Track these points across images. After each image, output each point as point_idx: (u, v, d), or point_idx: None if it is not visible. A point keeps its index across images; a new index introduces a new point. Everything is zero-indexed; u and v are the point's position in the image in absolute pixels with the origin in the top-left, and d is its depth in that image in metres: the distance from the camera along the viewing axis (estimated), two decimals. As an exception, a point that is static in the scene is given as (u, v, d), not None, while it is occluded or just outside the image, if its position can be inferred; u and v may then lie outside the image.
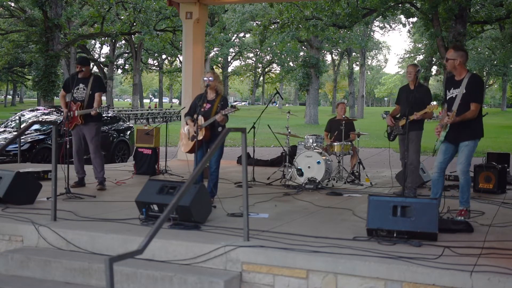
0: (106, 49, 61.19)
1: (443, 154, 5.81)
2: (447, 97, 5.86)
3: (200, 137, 6.18)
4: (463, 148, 5.67)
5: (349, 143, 8.94)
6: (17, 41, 38.06)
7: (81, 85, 7.50)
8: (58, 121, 11.56)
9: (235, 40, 53.69)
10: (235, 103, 64.00)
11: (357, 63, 59.53)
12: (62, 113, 12.48)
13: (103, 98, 7.81)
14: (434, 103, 6.35)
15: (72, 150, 7.59)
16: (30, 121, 11.70)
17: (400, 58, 75.04)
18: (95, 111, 7.31)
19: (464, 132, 5.66)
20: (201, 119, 6.18)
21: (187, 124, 6.43)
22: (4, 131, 12.03)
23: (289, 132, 8.98)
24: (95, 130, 7.55)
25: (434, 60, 29.45)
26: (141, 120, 36.76)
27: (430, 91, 7.44)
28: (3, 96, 73.56)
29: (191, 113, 6.34)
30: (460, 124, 5.63)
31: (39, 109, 13.75)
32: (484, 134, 5.84)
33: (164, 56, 56.85)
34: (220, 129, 6.22)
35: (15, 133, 11.51)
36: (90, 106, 7.40)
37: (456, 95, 5.70)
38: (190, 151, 6.42)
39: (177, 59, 53.63)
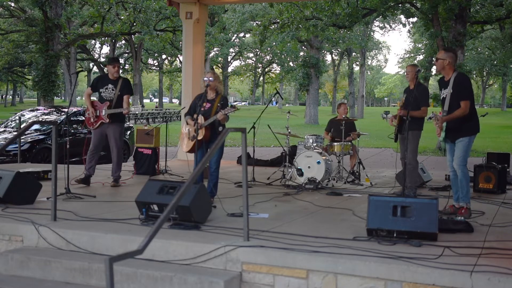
0: (106, 49, 61.31)
1: (450, 154, 5.99)
2: (441, 97, 6.04)
3: (200, 137, 6.18)
4: (458, 144, 5.83)
5: (349, 143, 8.95)
6: (17, 41, 38.06)
7: (110, 86, 7.66)
8: (58, 121, 11.58)
9: (235, 40, 53.68)
10: (235, 103, 64.02)
11: (357, 63, 59.53)
12: (62, 113, 12.56)
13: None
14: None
15: (89, 148, 7.75)
16: (30, 121, 11.71)
17: (400, 58, 75.05)
18: (127, 110, 7.53)
19: (459, 130, 5.80)
20: (201, 119, 6.18)
21: (187, 124, 6.43)
22: (4, 131, 12.04)
23: (289, 132, 8.98)
24: (119, 132, 7.73)
25: (434, 60, 29.44)
26: (141, 120, 36.77)
27: (428, 90, 7.45)
28: (3, 96, 73.55)
29: (191, 113, 6.35)
30: (455, 122, 5.77)
31: (39, 109, 13.77)
32: (480, 130, 5.96)
33: (164, 56, 56.86)
34: (220, 129, 6.22)
35: (15, 133, 11.51)
36: (118, 106, 7.58)
37: (446, 95, 5.83)
38: (190, 151, 6.43)
39: (177, 59, 53.65)
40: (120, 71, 7.78)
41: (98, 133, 7.68)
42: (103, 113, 7.53)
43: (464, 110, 5.70)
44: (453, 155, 5.92)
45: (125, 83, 7.75)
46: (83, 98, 8.41)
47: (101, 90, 7.66)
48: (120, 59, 51.91)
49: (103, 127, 7.64)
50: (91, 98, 7.91)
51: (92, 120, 7.64)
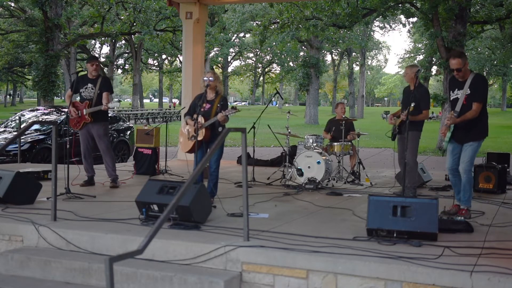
0: (106, 49, 61.30)
1: (451, 155, 5.85)
2: (451, 98, 5.88)
3: (200, 138, 6.17)
4: (467, 147, 5.70)
5: (349, 143, 8.94)
6: (17, 41, 38.07)
7: (89, 85, 7.63)
8: (58, 121, 11.58)
9: (235, 40, 53.67)
10: (235, 103, 64.12)
11: (357, 63, 59.52)
12: (62, 113, 12.55)
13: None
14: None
15: (81, 150, 7.71)
16: (30, 121, 11.70)
17: (400, 58, 74.92)
18: (105, 106, 7.45)
19: (469, 132, 5.68)
20: (201, 119, 6.17)
21: (187, 124, 6.43)
22: (4, 131, 12.04)
23: (289, 132, 8.98)
24: (103, 130, 7.67)
25: (434, 60, 29.42)
26: (141, 120, 36.77)
27: (429, 92, 7.35)
28: (3, 96, 73.59)
29: (191, 113, 6.34)
30: (466, 124, 5.65)
31: (39, 109, 13.76)
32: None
33: (164, 56, 56.84)
34: (220, 129, 6.22)
35: (15, 133, 11.51)
36: (98, 105, 7.52)
37: (460, 96, 5.71)
38: (190, 151, 6.42)
39: (177, 59, 53.62)
40: (114, 69, 7.74)
41: (84, 133, 7.67)
42: (85, 113, 7.52)
43: (476, 112, 5.60)
44: (454, 158, 5.80)
45: (104, 81, 7.70)
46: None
47: (81, 90, 7.64)
48: (119, 59, 52.07)
49: (87, 127, 7.62)
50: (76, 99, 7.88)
51: (75, 121, 7.62)
